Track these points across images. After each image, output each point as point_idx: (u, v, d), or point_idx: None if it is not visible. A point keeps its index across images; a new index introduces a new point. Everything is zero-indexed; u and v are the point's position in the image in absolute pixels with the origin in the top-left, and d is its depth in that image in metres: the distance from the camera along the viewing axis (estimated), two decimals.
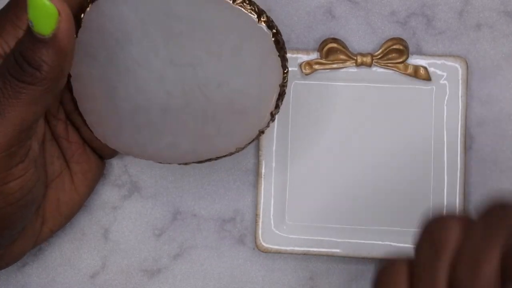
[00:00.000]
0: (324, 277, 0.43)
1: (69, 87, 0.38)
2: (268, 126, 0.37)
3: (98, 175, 0.40)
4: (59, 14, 0.31)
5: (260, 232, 0.42)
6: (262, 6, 0.43)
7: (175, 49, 0.36)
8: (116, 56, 0.36)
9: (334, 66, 0.42)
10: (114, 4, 0.35)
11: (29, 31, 0.31)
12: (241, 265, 0.43)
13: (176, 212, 0.44)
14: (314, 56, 0.42)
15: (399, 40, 0.42)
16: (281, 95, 0.37)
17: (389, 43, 0.42)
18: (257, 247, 0.42)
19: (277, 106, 0.37)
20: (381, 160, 0.42)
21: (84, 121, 0.38)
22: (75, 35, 0.32)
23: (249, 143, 0.37)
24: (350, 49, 0.42)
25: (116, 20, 0.36)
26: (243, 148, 0.38)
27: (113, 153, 0.41)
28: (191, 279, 0.43)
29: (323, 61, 0.42)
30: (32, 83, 0.32)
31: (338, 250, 0.42)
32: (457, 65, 0.42)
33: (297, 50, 0.42)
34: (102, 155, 0.40)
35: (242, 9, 0.35)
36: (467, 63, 0.42)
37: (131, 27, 0.36)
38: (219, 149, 0.38)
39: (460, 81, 0.42)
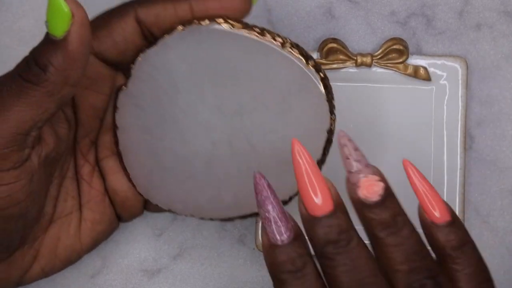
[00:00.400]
0: None
1: (115, 140, 0.37)
2: None
3: (107, 232, 0.39)
4: (73, 16, 0.31)
5: (260, 232, 0.42)
6: (262, 7, 0.44)
7: (223, 97, 0.35)
8: (163, 106, 0.36)
9: (334, 66, 0.42)
10: (163, 54, 0.35)
11: (46, 33, 0.32)
12: (241, 265, 0.43)
13: None
14: (314, 56, 0.42)
15: (399, 40, 0.42)
16: (328, 142, 0.36)
17: (389, 43, 0.42)
18: (257, 247, 0.42)
19: (324, 154, 0.36)
20: (381, 160, 0.42)
21: (128, 175, 0.38)
22: (88, 47, 0.32)
23: (295, 195, 0.36)
24: (350, 49, 0.42)
25: (164, 69, 0.35)
26: (288, 202, 0.36)
27: (132, 217, 0.39)
28: (191, 279, 0.43)
29: (323, 61, 0.42)
30: (35, 83, 0.31)
31: None
32: (457, 65, 0.42)
33: None
34: (120, 215, 0.39)
35: (291, 55, 0.35)
36: (467, 63, 0.42)
37: (179, 76, 0.35)
38: None
39: (460, 81, 0.42)
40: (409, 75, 0.42)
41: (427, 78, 0.42)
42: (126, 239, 0.43)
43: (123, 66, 0.36)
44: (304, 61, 0.35)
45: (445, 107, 0.42)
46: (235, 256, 0.43)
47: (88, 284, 0.43)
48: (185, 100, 0.36)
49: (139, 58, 0.35)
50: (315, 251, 0.31)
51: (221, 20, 0.34)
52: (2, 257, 0.35)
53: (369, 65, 0.42)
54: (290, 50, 0.35)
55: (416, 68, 0.42)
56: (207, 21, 0.34)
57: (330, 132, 0.36)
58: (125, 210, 0.39)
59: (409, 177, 0.32)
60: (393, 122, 0.42)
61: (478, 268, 0.31)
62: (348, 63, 0.42)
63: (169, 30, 0.35)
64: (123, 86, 0.36)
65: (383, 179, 0.31)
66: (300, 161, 0.31)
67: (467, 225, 0.43)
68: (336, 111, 0.36)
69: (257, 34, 0.34)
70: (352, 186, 0.31)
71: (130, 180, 0.38)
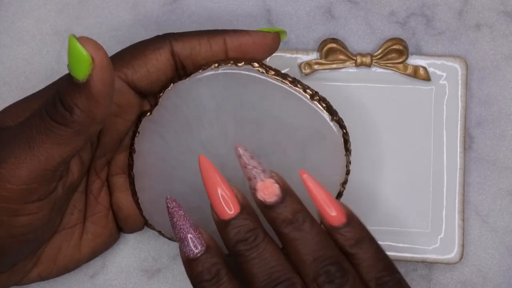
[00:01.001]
0: None
1: (129, 163, 0.38)
2: None
3: (107, 244, 0.40)
4: (93, 61, 0.31)
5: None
6: (261, 6, 0.44)
7: (244, 137, 0.36)
8: (184, 137, 0.37)
9: (334, 66, 0.42)
10: (194, 88, 0.36)
11: (69, 74, 0.32)
12: None
13: None
14: (313, 56, 0.42)
15: (399, 40, 0.42)
16: (340, 194, 0.37)
17: (389, 43, 0.42)
18: None
19: None
20: (380, 160, 0.42)
21: (136, 199, 0.38)
22: (112, 86, 0.32)
23: None
24: (349, 49, 0.42)
25: (192, 102, 0.36)
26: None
27: (132, 231, 0.40)
28: None
29: (322, 61, 0.42)
30: (63, 124, 0.32)
31: None
32: (456, 65, 0.42)
33: (297, 50, 0.42)
34: (122, 228, 0.40)
35: (317, 107, 0.36)
36: (466, 63, 0.42)
37: (206, 112, 0.36)
38: None
39: (460, 81, 0.42)
40: (408, 75, 0.42)
41: (427, 78, 0.42)
42: (126, 239, 0.43)
43: (149, 95, 0.37)
44: (330, 115, 0.36)
45: (444, 107, 0.42)
46: None
47: (88, 284, 0.43)
48: (207, 135, 0.36)
49: (169, 88, 0.36)
50: (229, 250, 0.34)
51: (256, 64, 0.36)
52: (6, 268, 0.36)
53: (368, 65, 0.42)
54: (318, 102, 0.36)
55: (416, 68, 0.42)
56: (242, 63, 0.36)
57: (343, 184, 0.37)
58: (127, 225, 0.40)
59: (306, 187, 0.34)
60: (393, 122, 0.42)
61: (376, 258, 0.33)
62: (347, 63, 0.42)
63: (203, 65, 0.36)
64: (148, 113, 0.37)
65: (279, 181, 0.33)
66: (208, 174, 0.33)
67: (467, 225, 0.43)
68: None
69: (289, 83, 0.36)
70: (252, 191, 0.33)
71: (137, 204, 0.38)
